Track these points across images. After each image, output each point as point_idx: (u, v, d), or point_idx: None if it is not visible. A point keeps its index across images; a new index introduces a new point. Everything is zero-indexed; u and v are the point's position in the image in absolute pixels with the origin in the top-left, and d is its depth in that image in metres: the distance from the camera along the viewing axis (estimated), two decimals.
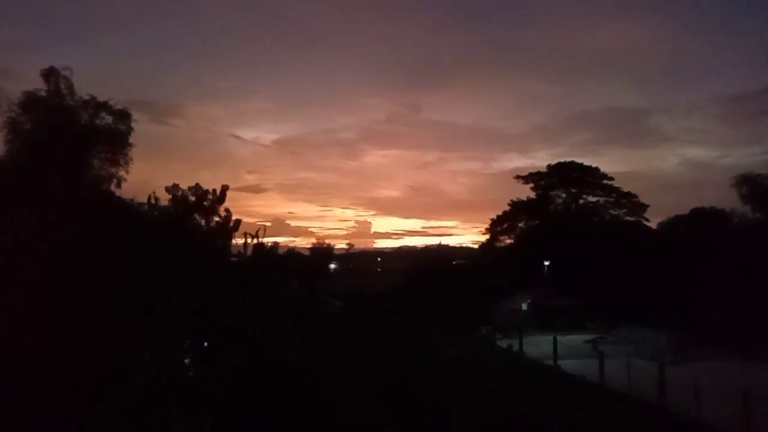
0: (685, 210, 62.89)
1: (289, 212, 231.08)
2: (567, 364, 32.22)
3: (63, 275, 15.67)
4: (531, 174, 75.19)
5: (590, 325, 48.41)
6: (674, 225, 62.71)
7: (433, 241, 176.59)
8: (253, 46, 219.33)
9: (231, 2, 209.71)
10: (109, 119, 22.35)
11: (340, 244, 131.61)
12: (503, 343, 40.87)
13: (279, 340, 17.59)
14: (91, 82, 25.06)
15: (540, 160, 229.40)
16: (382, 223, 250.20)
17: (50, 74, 21.06)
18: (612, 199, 72.32)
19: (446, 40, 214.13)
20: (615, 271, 51.64)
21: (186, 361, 19.13)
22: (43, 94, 21.27)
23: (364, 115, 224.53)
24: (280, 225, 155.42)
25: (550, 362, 33.38)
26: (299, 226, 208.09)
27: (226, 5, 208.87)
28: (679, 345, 36.87)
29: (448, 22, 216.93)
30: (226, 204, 29.11)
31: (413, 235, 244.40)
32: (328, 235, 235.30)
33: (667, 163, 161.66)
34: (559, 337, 36.37)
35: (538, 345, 38.11)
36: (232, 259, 26.82)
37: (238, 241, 27.39)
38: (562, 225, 66.41)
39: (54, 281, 15.34)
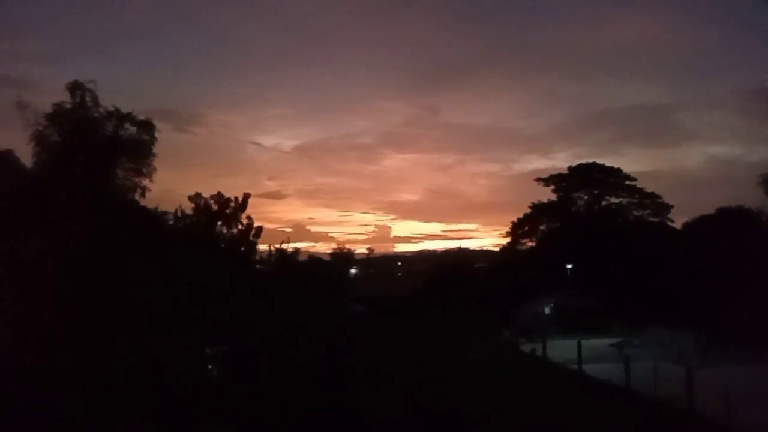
0: (710, 209, 61.78)
1: (310, 218, 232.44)
2: (592, 369, 31.83)
3: (89, 285, 15.96)
4: (552, 176, 74.60)
5: (614, 328, 47.75)
6: (700, 225, 61.64)
7: (453, 244, 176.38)
8: (272, 53, 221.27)
9: (248, 10, 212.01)
10: (133, 130, 22.81)
11: (361, 249, 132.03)
12: (526, 347, 40.54)
13: (305, 349, 17.69)
14: (114, 92, 25.59)
15: (560, 161, 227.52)
16: (402, 227, 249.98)
17: (75, 87, 21.56)
18: (635, 200, 71.37)
19: (463, 42, 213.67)
20: (639, 273, 50.93)
21: (210, 367, 19.35)
22: (69, 106, 21.77)
23: (382, 119, 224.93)
24: (300, 231, 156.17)
25: (575, 366, 33.01)
26: (320, 232, 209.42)
27: (243, 13, 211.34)
28: (706, 347, 36.21)
29: (465, 23, 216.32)
30: (247, 211, 29.47)
31: (433, 239, 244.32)
32: (349, 240, 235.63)
33: (690, 161, 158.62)
34: (582, 341, 35.90)
35: (561, 349, 37.69)
36: (256, 266, 27.10)
37: (261, 247, 27.67)
38: (584, 227, 65.72)
39: (81, 291, 15.64)
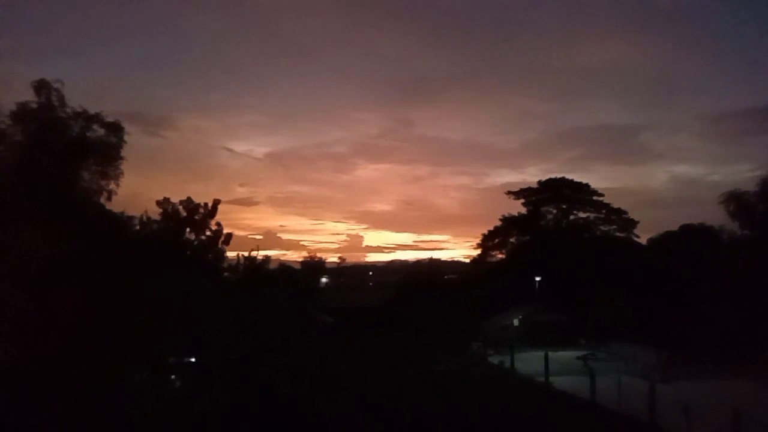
0: (674, 226, 63.50)
1: (281, 225, 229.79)
2: (558, 381, 32.13)
3: (48, 292, 15.47)
4: (522, 190, 75.69)
5: (581, 342, 48.44)
6: (664, 241, 63.17)
7: (424, 255, 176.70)
8: (246, 59, 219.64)
9: (224, 15, 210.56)
10: (100, 131, 22.31)
11: (332, 258, 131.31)
12: (495, 360, 40.75)
13: (269, 363, 17.41)
14: (83, 93, 25.04)
15: (531, 175, 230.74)
16: (374, 237, 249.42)
17: (42, 86, 21.01)
18: (602, 216, 72.81)
19: (438, 57, 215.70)
20: (605, 287, 51.80)
21: (173, 377, 18.90)
22: (34, 105, 21.21)
23: (356, 130, 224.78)
24: (271, 238, 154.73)
25: (542, 379, 33.29)
26: (291, 240, 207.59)
27: (218, 18, 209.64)
28: (669, 362, 36.94)
29: (441, 38, 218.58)
30: (217, 217, 29.02)
31: (405, 249, 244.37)
32: (320, 248, 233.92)
33: (655, 180, 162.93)
34: (550, 354, 36.31)
35: (529, 362, 38.02)
36: (224, 274, 26.66)
37: (230, 254, 27.26)
38: (552, 241, 66.68)
39: (38, 298, 15.14)
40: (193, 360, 18.95)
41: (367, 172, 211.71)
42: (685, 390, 27.10)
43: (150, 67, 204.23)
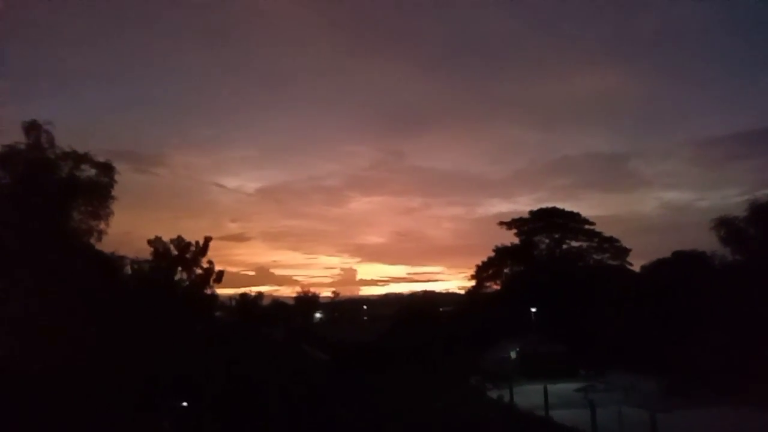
0: (666, 252, 63.26)
1: (274, 260, 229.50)
2: (558, 415, 31.58)
3: (36, 336, 15.10)
4: (514, 220, 75.76)
5: (579, 373, 47.83)
6: (657, 268, 62.95)
7: (418, 287, 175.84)
8: (236, 94, 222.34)
9: (213, 52, 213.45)
10: (91, 172, 22.22)
11: (326, 292, 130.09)
12: (493, 394, 40.05)
13: (262, 408, 16.98)
14: (74, 133, 25.06)
15: (522, 204, 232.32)
16: (367, 270, 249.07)
17: (31, 127, 21.00)
18: (594, 244, 72.86)
19: (428, 89, 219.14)
20: (601, 316, 51.42)
21: (164, 424, 18.40)
22: (23, 147, 21.12)
23: (348, 162, 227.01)
24: (264, 274, 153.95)
25: (542, 413, 32.71)
26: (284, 275, 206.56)
27: (208, 55, 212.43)
28: (668, 391, 36.49)
29: (430, 72, 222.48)
30: (209, 254, 28.79)
31: (399, 282, 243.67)
32: (313, 283, 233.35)
33: (646, 207, 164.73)
34: (549, 386, 35.79)
35: (528, 395, 37.42)
36: (216, 313, 26.31)
37: (224, 291, 26.99)
38: (547, 271, 66.48)
39: (29, 343, 14.76)
40: (184, 404, 18.47)
41: (359, 204, 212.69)
42: (685, 419, 26.70)
43: (141, 105, 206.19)
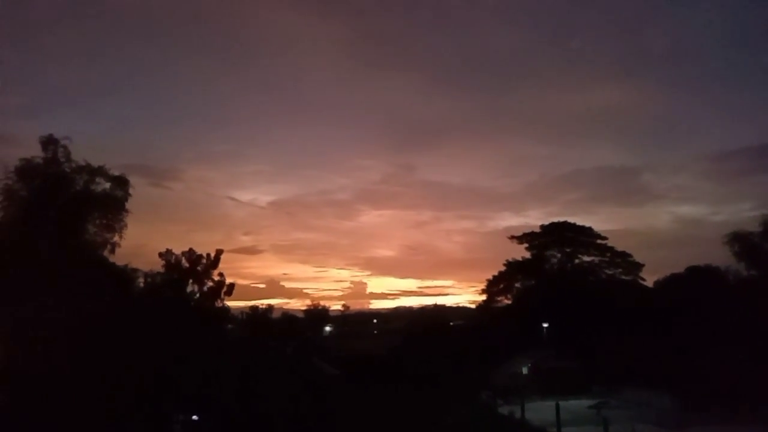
0: (679, 267, 62.62)
1: (285, 273, 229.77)
2: None
3: (50, 348, 15.20)
4: (525, 234, 75.30)
5: (592, 389, 47.20)
6: (671, 283, 62.29)
7: (429, 301, 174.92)
8: (249, 110, 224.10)
9: (227, 69, 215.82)
10: (106, 185, 22.47)
11: (336, 306, 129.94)
12: (505, 410, 39.63)
13: (272, 422, 16.92)
14: (90, 147, 25.38)
15: (533, 218, 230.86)
16: (378, 283, 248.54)
17: (48, 142, 21.31)
18: (607, 259, 72.14)
19: (439, 103, 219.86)
20: (614, 332, 50.85)
21: None
22: (40, 161, 21.42)
23: (359, 176, 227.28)
24: (275, 286, 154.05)
25: (554, 430, 32.30)
26: (294, 288, 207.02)
27: (222, 71, 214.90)
28: (683, 408, 35.91)
29: (441, 85, 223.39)
30: (221, 266, 28.90)
31: (409, 295, 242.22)
32: (324, 296, 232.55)
33: (658, 221, 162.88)
34: (561, 402, 35.33)
35: (540, 411, 36.96)
36: (227, 326, 26.35)
37: (235, 304, 27.09)
38: (558, 285, 65.94)
39: (42, 357, 14.86)
40: (195, 418, 18.45)
41: (370, 218, 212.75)
42: None
43: (156, 120, 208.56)
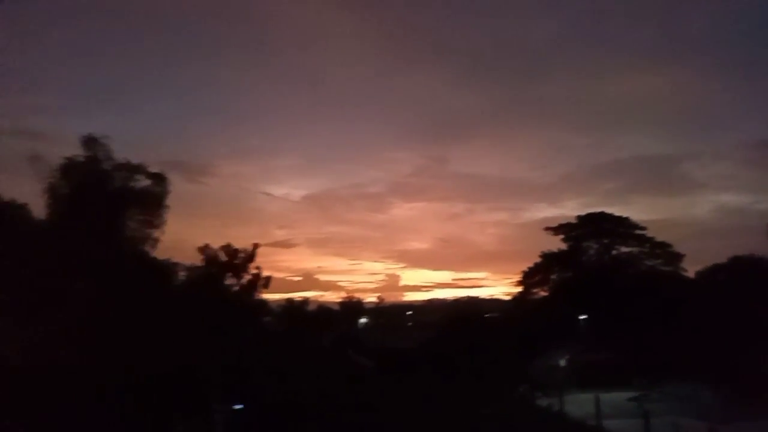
0: (722, 258, 60.78)
1: (319, 266, 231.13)
2: (611, 425, 30.70)
3: (97, 341, 15.67)
4: (561, 225, 74.18)
5: (633, 382, 46.36)
6: (713, 274, 60.66)
7: (463, 293, 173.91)
8: (282, 105, 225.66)
9: (260, 65, 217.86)
10: (145, 182, 23.05)
11: (370, 298, 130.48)
12: (542, 403, 39.28)
13: (313, 416, 17.11)
14: (128, 145, 26.06)
15: (569, 209, 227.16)
16: (411, 276, 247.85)
17: (89, 141, 21.94)
18: (646, 250, 70.56)
19: (471, 93, 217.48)
20: (655, 324, 49.81)
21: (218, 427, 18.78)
22: (82, 159, 22.07)
23: (391, 169, 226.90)
24: (310, 279, 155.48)
25: (593, 422, 31.85)
26: (329, 280, 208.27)
27: (255, 67, 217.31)
28: (727, 401, 34.98)
29: (473, 75, 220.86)
30: (257, 260, 29.35)
31: (443, 288, 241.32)
32: (358, 288, 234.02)
33: (700, 210, 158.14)
34: (600, 395, 34.78)
35: (578, 404, 36.48)
36: (265, 319, 26.78)
37: (271, 296, 27.50)
38: (596, 277, 64.89)
39: (88, 347, 15.34)
40: (237, 407, 18.81)
41: (402, 211, 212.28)
42: (747, 431, 25.52)
43: (192, 117, 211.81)
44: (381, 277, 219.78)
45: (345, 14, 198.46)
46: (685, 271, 68.80)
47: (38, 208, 22.18)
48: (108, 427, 15.17)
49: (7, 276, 17.45)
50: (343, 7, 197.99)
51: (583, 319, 57.83)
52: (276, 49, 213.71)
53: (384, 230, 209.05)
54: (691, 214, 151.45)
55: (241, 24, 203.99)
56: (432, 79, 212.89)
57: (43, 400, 14.69)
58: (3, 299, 16.78)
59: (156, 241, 22.29)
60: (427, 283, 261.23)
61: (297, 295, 51.82)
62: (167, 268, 23.50)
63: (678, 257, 69.55)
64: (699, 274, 65.58)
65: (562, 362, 52.39)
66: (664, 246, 70.02)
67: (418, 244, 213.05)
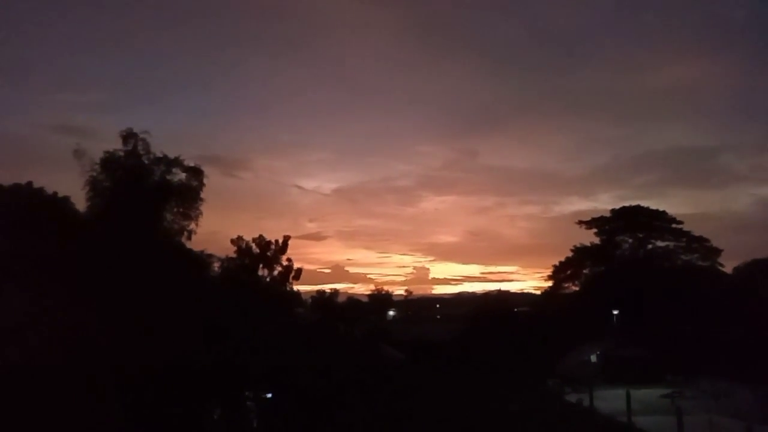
0: (761, 252, 59.60)
1: (348, 259, 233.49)
2: (642, 421, 30.33)
3: (136, 331, 16.21)
4: (594, 219, 73.03)
5: (666, 378, 45.62)
6: (752, 269, 59.13)
7: (492, 286, 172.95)
8: (313, 100, 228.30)
9: (293, 60, 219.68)
10: (182, 175, 23.63)
11: (399, 291, 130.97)
12: (572, 398, 39.01)
13: (346, 406, 17.41)
14: (167, 139, 26.72)
15: (602, 202, 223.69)
16: (440, 269, 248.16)
17: (129, 136, 22.60)
18: (683, 244, 68.98)
19: (502, 85, 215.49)
20: (690, 320, 48.85)
21: (251, 415, 19.27)
22: (121, 154, 22.75)
23: (421, 162, 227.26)
24: (339, 272, 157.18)
25: (624, 419, 31.51)
26: (358, 273, 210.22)
27: (288, 63, 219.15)
28: (766, 401, 34.13)
29: (504, 67, 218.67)
30: (288, 253, 29.85)
31: (472, 281, 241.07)
32: (387, 281, 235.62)
33: (738, 204, 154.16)
34: (631, 391, 34.36)
35: (609, 400, 36.13)
36: (297, 309, 27.24)
37: (302, 288, 27.96)
38: (630, 271, 63.78)
39: (126, 336, 15.89)
40: (269, 396, 19.24)
41: (432, 204, 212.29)
42: None
43: (228, 113, 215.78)
44: (410, 269, 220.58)
45: (376, 8, 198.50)
46: (723, 266, 67.22)
47: (80, 201, 23.01)
48: (145, 412, 15.70)
49: (50, 266, 18.14)
50: (373, 3, 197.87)
51: (616, 314, 57.01)
52: (308, 44, 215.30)
53: (413, 223, 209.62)
54: (730, 207, 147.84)
55: (275, 20, 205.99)
56: (463, 71, 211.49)
57: (78, 385, 15.27)
58: (46, 290, 17.45)
59: (192, 232, 22.89)
60: (456, 277, 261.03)
61: (327, 287, 52.64)
62: (202, 260, 24.07)
63: (715, 252, 67.89)
64: (737, 269, 64.02)
65: (593, 357, 51.85)
66: (701, 240, 68.39)
67: (447, 238, 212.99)
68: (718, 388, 37.66)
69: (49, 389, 14.70)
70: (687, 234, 68.79)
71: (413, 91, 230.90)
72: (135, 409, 14.86)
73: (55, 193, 24.43)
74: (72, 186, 23.11)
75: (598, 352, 51.99)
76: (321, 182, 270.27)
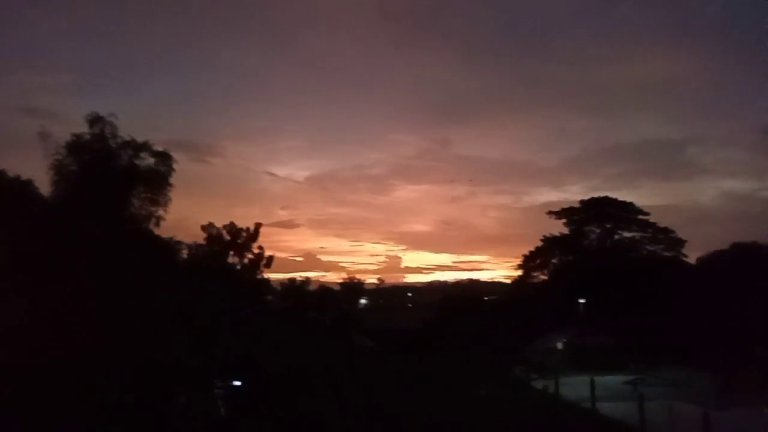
0: (724, 244, 60.94)
1: (321, 247, 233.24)
2: (605, 407, 31.10)
3: (100, 317, 15.97)
4: (563, 209, 74.31)
5: (629, 366, 46.85)
6: (714, 261, 60.79)
7: (463, 275, 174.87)
8: (287, 87, 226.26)
9: (266, 46, 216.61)
10: (150, 160, 23.23)
11: (371, 279, 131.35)
12: (538, 384, 39.78)
13: (315, 393, 17.47)
14: (135, 124, 26.21)
15: (573, 193, 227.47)
16: (412, 258, 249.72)
17: (95, 120, 22.09)
18: (648, 235, 70.75)
19: (475, 75, 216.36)
20: (653, 309, 50.12)
21: (219, 403, 19.19)
22: (87, 137, 22.24)
23: (393, 151, 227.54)
24: (311, 260, 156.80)
25: (588, 405, 32.27)
26: (330, 261, 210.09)
27: (261, 49, 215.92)
28: (724, 388, 35.33)
29: (477, 57, 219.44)
30: (259, 240, 29.66)
31: (444, 270, 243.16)
32: (359, 269, 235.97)
33: (704, 196, 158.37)
34: (596, 378, 35.17)
35: (574, 386, 36.92)
36: (267, 297, 27.13)
37: (272, 276, 27.83)
38: (597, 261, 65.10)
39: (91, 323, 15.64)
40: (237, 383, 19.19)
41: (404, 193, 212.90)
42: (741, 418, 25.84)
43: (197, 98, 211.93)
44: (382, 258, 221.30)
45: None
46: (686, 257, 69.10)
47: (44, 185, 22.45)
48: (109, 400, 15.51)
49: (11, 251, 17.71)
50: None
51: (582, 303, 58.19)
52: (281, 30, 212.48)
53: (386, 212, 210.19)
54: (695, 199, 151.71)
55: (246, 5, 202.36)
56: (436, 61, 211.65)
57: (41, 375, 15.02)
58: (7, 274, 17.06)
59: (160, 219, 22.55)
60: (427, 265, 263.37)
61: (298, 275, 52.56)
62: (170, 246, 23.75)
63: (679, 243, 69.76)
64: (700, 260, 65.76)
65: (560, 345, 52.88)
66: (666, 232, 70.20)
67: (419, 227, 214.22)
68: (679, 375, 38.86)
69: (15, 383, 14.45)
70: (653, 225, 70.52)
71: (387, 79, 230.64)
72: (96, 394, 14.66)
73: (18, 176, 23.79)
74: (35, 169, 22.56)
75: (565, 340, 53.03)
76: (293, 169, 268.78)
